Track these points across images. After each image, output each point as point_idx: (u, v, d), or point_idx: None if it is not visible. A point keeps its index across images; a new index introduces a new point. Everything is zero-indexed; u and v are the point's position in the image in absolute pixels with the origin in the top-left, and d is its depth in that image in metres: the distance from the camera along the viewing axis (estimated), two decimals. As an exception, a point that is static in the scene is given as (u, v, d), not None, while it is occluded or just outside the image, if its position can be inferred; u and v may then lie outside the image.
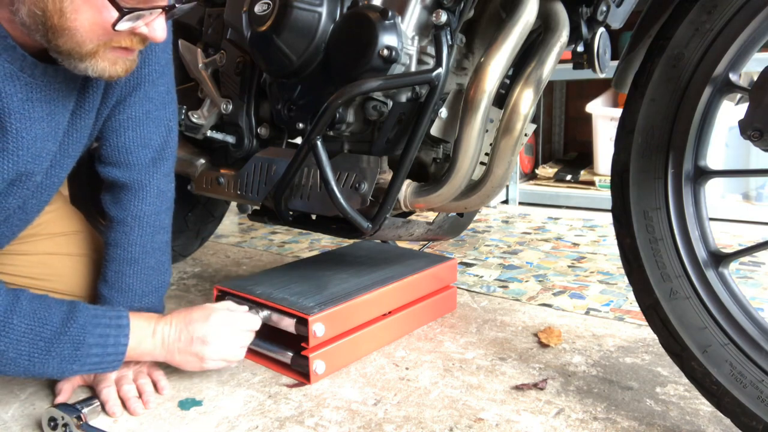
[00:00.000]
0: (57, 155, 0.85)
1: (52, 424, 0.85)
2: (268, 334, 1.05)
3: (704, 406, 0.89)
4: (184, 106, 1.17)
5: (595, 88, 2.64)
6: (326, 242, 1.92)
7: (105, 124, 0.94)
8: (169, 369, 1.03)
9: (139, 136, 0.96)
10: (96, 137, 0.96)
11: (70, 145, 0.87)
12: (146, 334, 0.90)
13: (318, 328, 0.97)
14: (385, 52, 0.92)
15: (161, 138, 0.99)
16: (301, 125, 1.07)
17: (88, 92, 0.85)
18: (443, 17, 0.92)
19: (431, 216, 1.15)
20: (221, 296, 1.11)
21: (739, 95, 0.81)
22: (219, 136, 1.18)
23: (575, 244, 1.86)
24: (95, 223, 1.52)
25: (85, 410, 0.87)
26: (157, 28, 0.73)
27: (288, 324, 1.00)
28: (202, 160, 1.27)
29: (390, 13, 0.92)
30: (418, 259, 1.27)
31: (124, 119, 0.94)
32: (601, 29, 0.99)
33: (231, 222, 2.25)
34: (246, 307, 1.01)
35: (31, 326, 0.79)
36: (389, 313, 1.13)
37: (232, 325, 0.94)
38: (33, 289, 0.93)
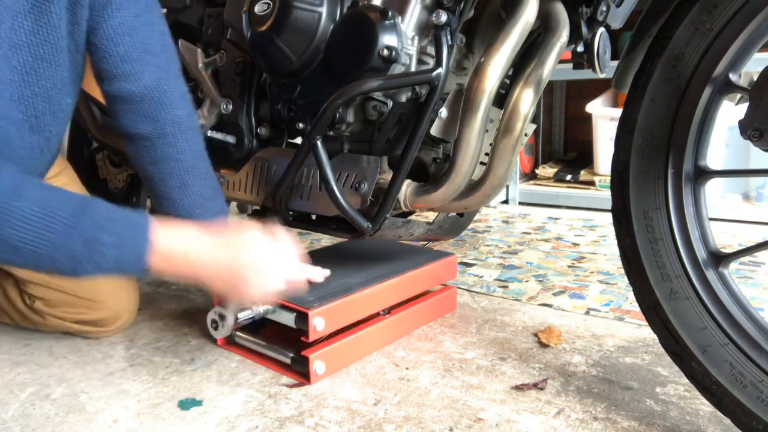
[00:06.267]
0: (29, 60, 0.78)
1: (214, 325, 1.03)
2: (268, 334, 1.05)
3: (704, 406, 0.89)
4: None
5: (595, 88, 2.64)
6: (326, 242, 1.92)
7: (94, 33, 0.87)
8: (170, 368, 1.03)
9: (139, 42, 0.89)
10: (91, 53, 0.89)
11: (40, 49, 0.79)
12: (190, 232, 0.80)
13: (318, 322, 0.97)
14: (385, 52, 0.92)
15: (159, 42, 0.93)
16: (301, 125, 1.07)
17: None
18: (443, 17, 0.92)
19: (431, 216, 1.15)
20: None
21: (739, 95, 0.81)
22: (219, 136, 1.18)
23: (575, 244, 1.86)
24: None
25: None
26: None
27: (288, 318, 1.00)
28: (202, 160, 1.27)
29: (390, 13, 0.93)
30: (419, 255, 1.27)
31: (116, 25, 0.87)
32: (601, 29, 0.99)
33: (231, 222, 2.25)
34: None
35: (38, 215, 0.70)
36: (389, 313, 1.13)
37: (280, 254, 0.87)
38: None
